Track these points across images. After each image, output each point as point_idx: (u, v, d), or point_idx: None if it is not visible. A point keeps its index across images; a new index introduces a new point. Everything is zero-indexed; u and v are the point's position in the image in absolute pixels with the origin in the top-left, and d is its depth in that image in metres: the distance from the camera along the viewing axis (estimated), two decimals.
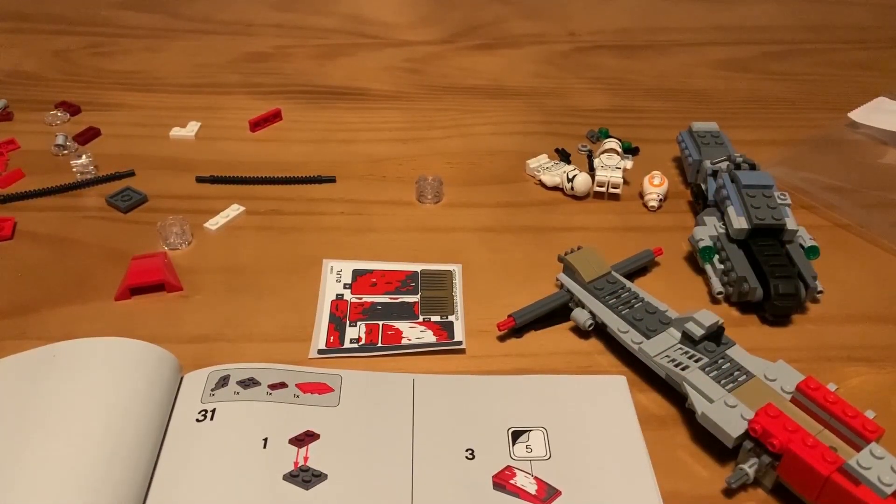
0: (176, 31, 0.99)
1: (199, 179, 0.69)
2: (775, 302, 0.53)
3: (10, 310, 0.54)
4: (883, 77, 0.91)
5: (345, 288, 0.57)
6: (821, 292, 0.54)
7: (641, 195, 0.67)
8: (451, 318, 0.54)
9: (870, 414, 0.42)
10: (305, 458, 0.43)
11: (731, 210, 0.58)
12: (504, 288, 0.57)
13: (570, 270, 0.55)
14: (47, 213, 0.64)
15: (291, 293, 0.56)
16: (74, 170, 0.68)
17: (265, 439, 0.43)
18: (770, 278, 0.53)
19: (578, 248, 0.56)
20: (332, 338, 0.52)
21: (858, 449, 0.40)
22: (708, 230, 0.59)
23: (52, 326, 0.53)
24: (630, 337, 0.50)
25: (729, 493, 0.43)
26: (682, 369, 0.46)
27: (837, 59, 0.96)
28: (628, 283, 0.54)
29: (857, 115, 0.79)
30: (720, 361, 0.47)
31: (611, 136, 0.74)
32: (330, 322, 0.54)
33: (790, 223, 0.56)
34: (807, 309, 0.56)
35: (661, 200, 0.66)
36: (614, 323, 0.51)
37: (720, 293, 0.56)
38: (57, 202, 0.66)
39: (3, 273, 0.58)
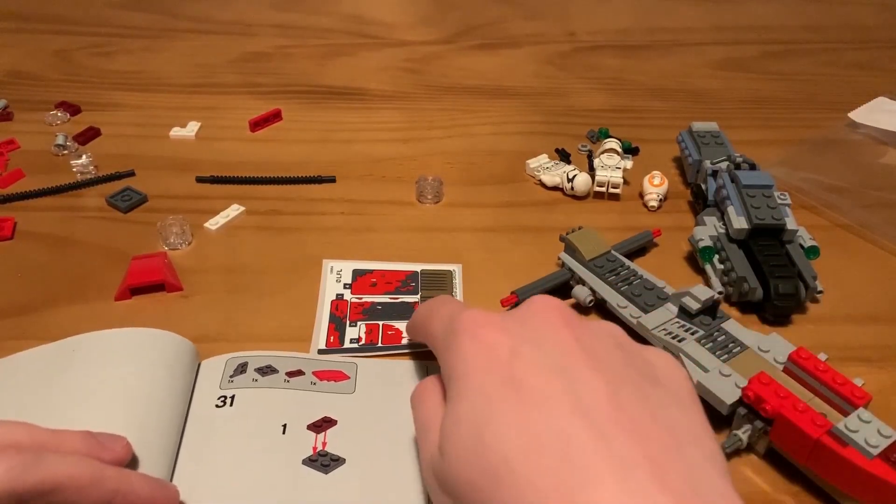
0: (176, 31, 0.99)
1: (199, 179, 0.69)
2: (775, 302, 0.53)
3: (10, 310, 0.54)
4: (883, 77, 0.91)
5: (345, 288, 0.57)
6: (821, 292, 0.54)
7: (641, 195, 0.67)
8: None
9: (858, 381, 0.43)
10: (324, 444, 0.44)
11: (731, 210, 0.58)
12: (504, 288, 0.56)
13: (570, 249, 0.56)
14: (47, 213, 0.64)
15: (291, 293, 0.56)
16: (74, 170, 0.68)
17: (284, 425, 0.44)
18: (770, 278, 0.53)
19: (579, 228, 0.57)
20: (332, 338, 0.52)
21: (847, 415, 0.41)
22: (708, 230, 0.59)
23: (52, 326, 0.53)
24: (629, 312, 0.51)
25: None
26: (679, 341, 0.48)
27: (837, 59, 0.96)
28: (627, 262, 0.55)
29: (857, 115, 0.79)
30: (715, 334, 0.48)
31: (611, 136, 0.74)
32: (330, 322, 0.54)
33: (790, 223, 0.57)
34: (807, 309, 0.56)
35: (661, 200, 0.66)
36: (614, 299, 0.52)
37: (720, 293, 0.56)
38: (57, 202, 0.66)
39: (3, 273, 0.58)
